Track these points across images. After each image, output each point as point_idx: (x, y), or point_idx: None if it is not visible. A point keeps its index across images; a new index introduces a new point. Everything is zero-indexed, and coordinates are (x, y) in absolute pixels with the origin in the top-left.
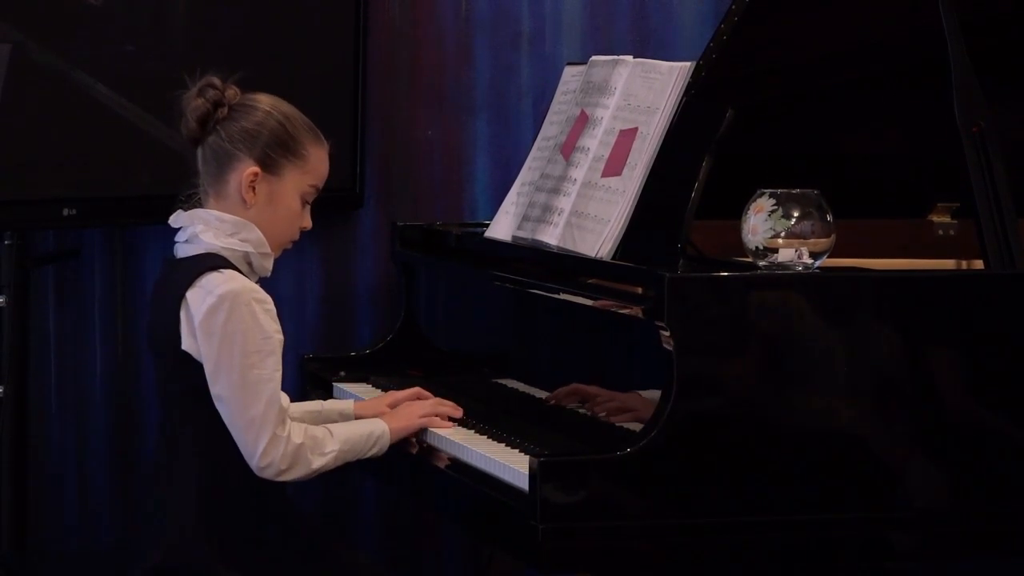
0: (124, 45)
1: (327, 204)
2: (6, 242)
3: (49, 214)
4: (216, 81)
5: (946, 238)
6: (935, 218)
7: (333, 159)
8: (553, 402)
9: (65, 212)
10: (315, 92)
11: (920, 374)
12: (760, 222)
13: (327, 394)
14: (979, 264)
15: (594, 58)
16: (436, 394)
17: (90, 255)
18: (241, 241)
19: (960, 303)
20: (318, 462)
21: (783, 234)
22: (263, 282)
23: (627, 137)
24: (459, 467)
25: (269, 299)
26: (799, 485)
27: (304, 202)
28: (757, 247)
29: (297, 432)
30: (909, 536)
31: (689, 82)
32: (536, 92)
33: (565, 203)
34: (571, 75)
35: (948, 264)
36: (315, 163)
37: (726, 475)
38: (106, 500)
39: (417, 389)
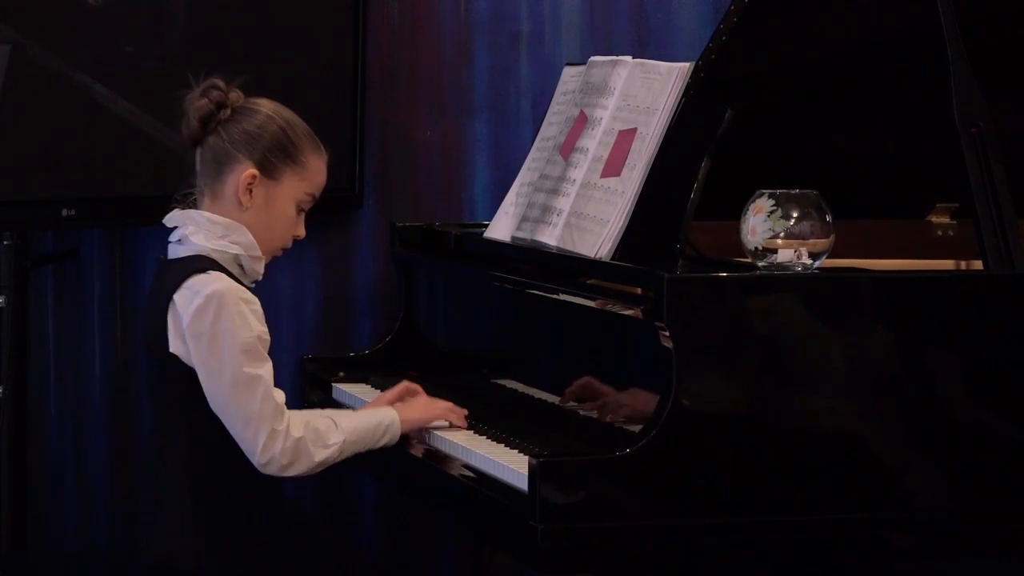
0: (124, 46)
1: (326, 204)
2: (5, 242)
3: (48, 214)
4: (220, 83)
5: (945, 238)
6: (934, 218)
7: (333, 160)
8: (566, 404)
9: (64, 212)
10: (315, 93)
11: (919, 374)
12: (759, 223)
13: (327, 394)
14: (978, 264)
15: (593, 58)
16: (435, 395)
17: (89, 255)
18: (231, 243)
19: (959, 303)
20: (321, 454)
21: (782, 235)
22: (263, 282)
23: (626, 137)
24: (459, 467)
25: (255, 299)
26: (798, 485)
27: (300, 209)
28: (756, 248)
29: (297, 426)
30: (909, 536)
31: (688, 82)
32: (535, 92)
33: (564, 203)
34: (570, 75)
35: (947, 264)
36: (313, 172)
37: (725, 475)
38: (106, 500)
39: (406, 383)
